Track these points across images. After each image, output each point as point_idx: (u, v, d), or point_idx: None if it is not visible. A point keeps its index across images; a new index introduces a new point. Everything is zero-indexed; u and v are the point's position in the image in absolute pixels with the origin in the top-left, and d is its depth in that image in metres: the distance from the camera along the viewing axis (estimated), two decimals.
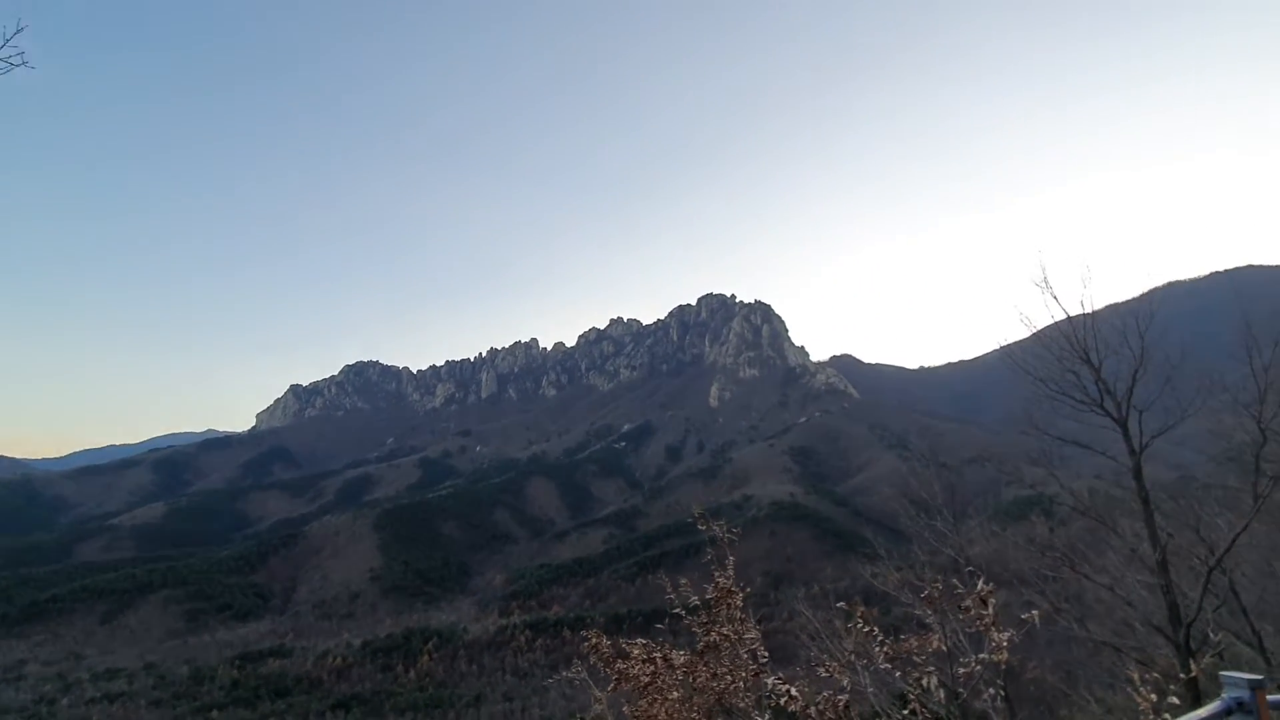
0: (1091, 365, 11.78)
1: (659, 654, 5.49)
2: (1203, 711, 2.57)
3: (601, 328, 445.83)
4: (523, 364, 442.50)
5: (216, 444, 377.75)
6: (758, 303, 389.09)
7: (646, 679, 5.35)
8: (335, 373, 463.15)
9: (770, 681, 4.99)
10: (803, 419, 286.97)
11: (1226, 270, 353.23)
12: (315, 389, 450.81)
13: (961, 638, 6.12)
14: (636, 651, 5.55)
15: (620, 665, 5.57)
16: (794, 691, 4.73)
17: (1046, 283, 11.89)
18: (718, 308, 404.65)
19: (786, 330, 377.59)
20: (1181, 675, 8.90)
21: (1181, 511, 13.29)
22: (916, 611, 6.12)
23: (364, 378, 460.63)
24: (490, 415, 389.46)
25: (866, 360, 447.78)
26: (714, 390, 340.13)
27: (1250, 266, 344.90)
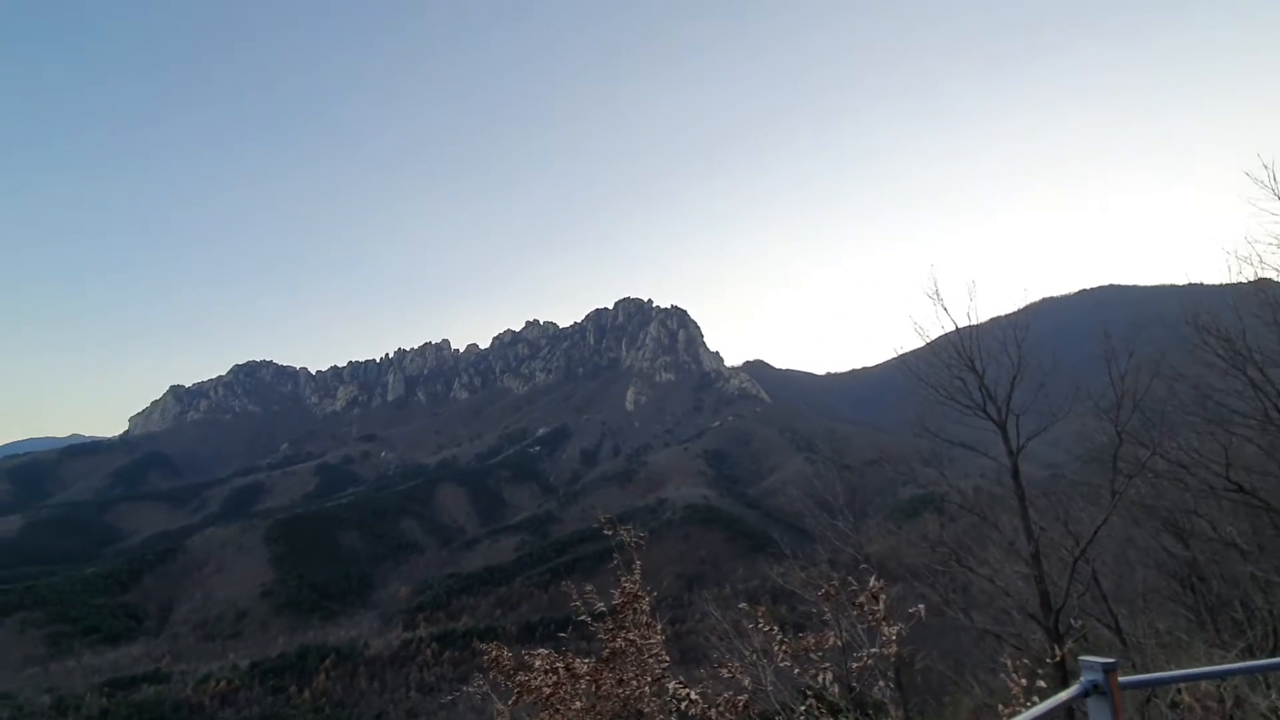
0: (976, 372, 12.64)
1: (561, 664, 5.31)
2: (1063, 695, 2.74)
3: (517, 330, 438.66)
4: (433, 366, 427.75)
5: (82, 450, 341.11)
6: (674, 308, 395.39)
7: (548, 690, 5.16)
8: (223, 373, 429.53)
9: (671, 686, 4.93)
10: (716, 423, 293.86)
11: (1092, 289, 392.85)
12: (199, 390, 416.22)
13: (859, 632, 6.33)
14: (539, 662, 5.35)
15: (521, 677, 5.35)
16: (694, 695, 4.69)
17: (938, 294, 12.65)
18: (635, 312, 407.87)
19: (701, 335, 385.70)
20: (1049, 660, 9.66)
21: (1052, 507, 14.48)
22: (814, 610, 6.29)
23: (256, 378, 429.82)
24: (397, 419, 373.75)
25: (778, 366, 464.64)
26: (630, 394, 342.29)
27: (1111, 286, 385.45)
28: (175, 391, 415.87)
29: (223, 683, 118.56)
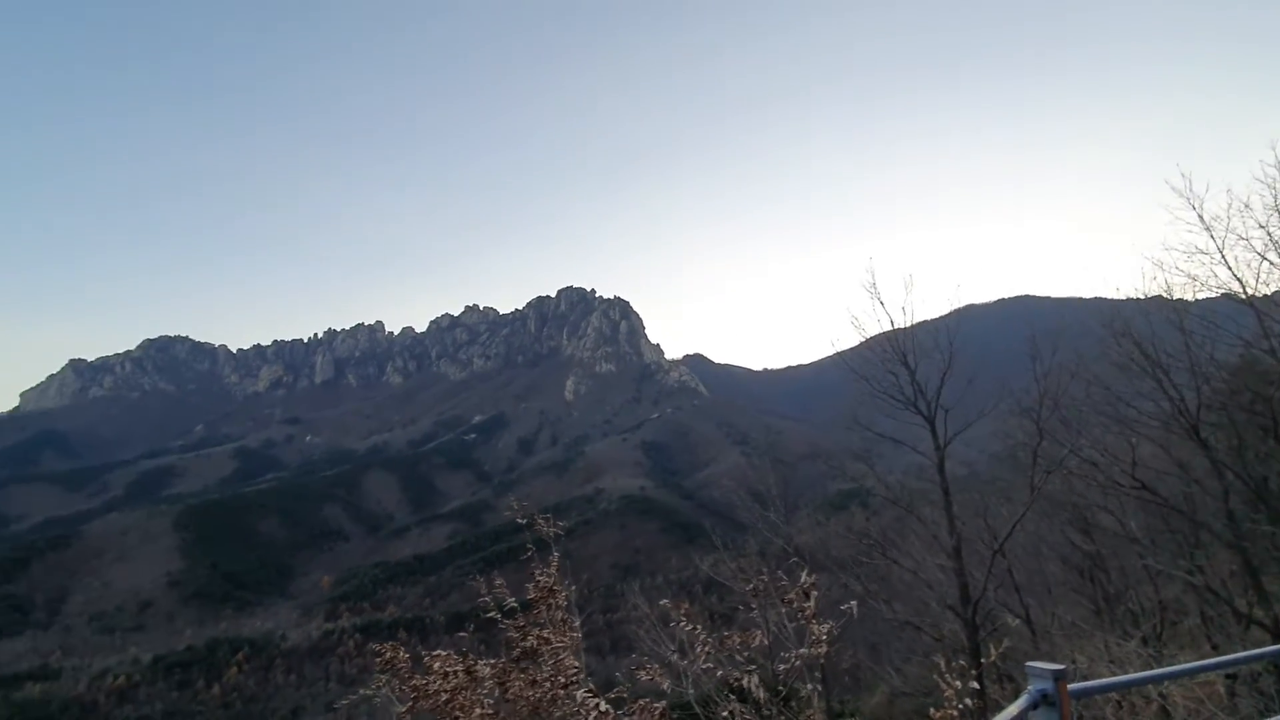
0: (908, 367, 12.81)
1: (461, 666, 4.83)
2: (1013, 709, 2.56)
3: (456, 315, 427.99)
4: (365, 348, 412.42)
5: None
6: (617, 299, 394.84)
7: (446, 695, 4.68)
8: (132, 347, 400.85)
9: (580, 695, 4.53)
10: (655, 415, 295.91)
11: (1011, 298, 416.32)
12: (104, 365, 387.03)
13: (785, 625, 6.12)
14: (437, 665, 4.85)
15: (416, 681, 4.84)
16: (603, 706, 4.32)
17: (875, 288, 12.71)
18: (577, 301, 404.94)
19: (643, 327, 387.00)
20: (962, 662, 9.85)
21: (972, 502, 14.96)
22: (741, 605, 6.04)
23: (169, 355, 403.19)
24: (325, 402, 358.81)
25: (717, 360, 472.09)
26: (570, 384, 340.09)
27: (1028, 296, 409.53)
28: (75, 366, 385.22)
29: (120, 678, 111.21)
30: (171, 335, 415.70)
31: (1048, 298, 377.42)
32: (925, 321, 14.82)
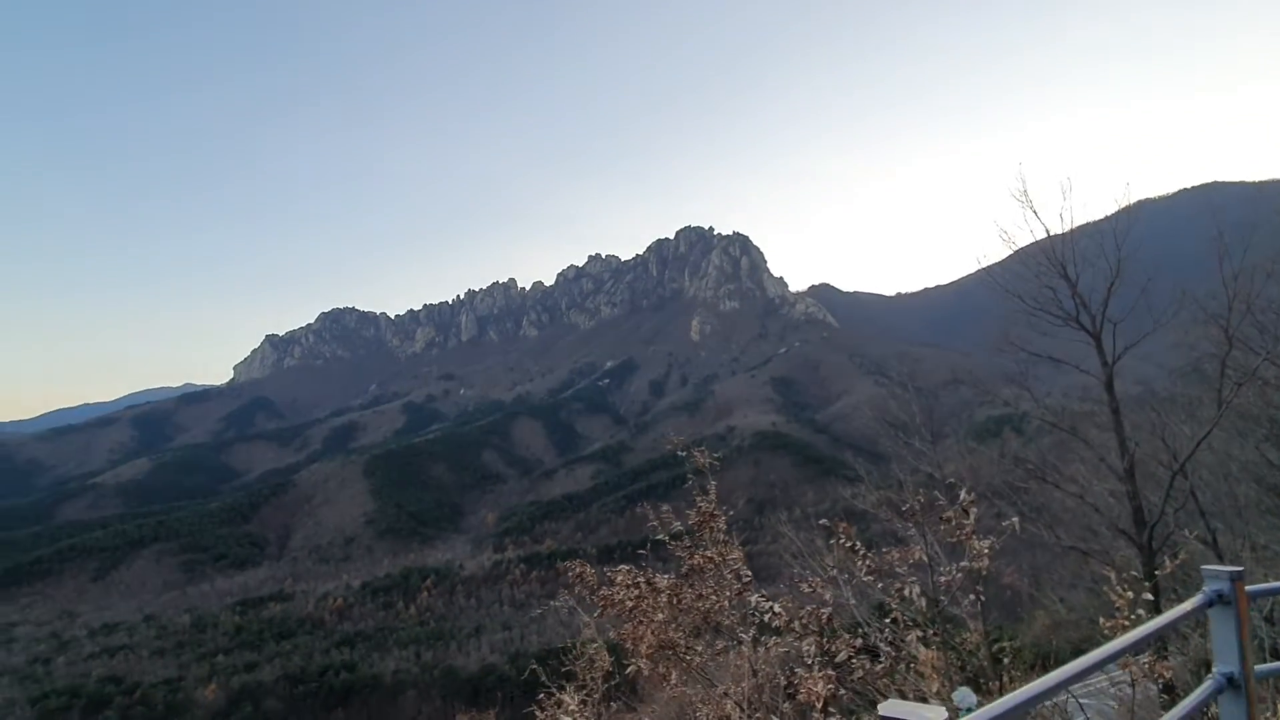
0: (1069, 280, 11.82)
1: (642, 579, 5.62)
2: (1186, 605, 2.60)
3: (580, 265, 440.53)
4: (502, 305, 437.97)
5: (195, 397, 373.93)
6: (736, 235, 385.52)
7: (631, 603, 5.49)
8: (311, 321, 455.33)
9: (754, 599, 5.13)
10: (783, 349, 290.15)
11: (1195, 187, 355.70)
12: (292, 338, 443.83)
13: (937, 549, 6.32)
14: (620, 578, 5.68)
15: (604, 592, 5.71)
16: (778, 608, 4.88)
17: (1026, 196, 11.75)
18: (696, 241, 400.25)
19: (765, 261, 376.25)
20: (1134, 573, 9.37)
21: (1147, 422, 13.66)
22: (896, 525, 6.29)
23: (341, 325, 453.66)
24: (472, 357, 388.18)
25: (844, 288, 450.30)
26: (695, 324, 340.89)
27: (1216, 183, 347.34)
28: (271, 340, 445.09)
29: (339, 600, 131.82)
30: (342, 307, 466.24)
31: (1241, 183, 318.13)
32: (1087, 225, 13.37)
